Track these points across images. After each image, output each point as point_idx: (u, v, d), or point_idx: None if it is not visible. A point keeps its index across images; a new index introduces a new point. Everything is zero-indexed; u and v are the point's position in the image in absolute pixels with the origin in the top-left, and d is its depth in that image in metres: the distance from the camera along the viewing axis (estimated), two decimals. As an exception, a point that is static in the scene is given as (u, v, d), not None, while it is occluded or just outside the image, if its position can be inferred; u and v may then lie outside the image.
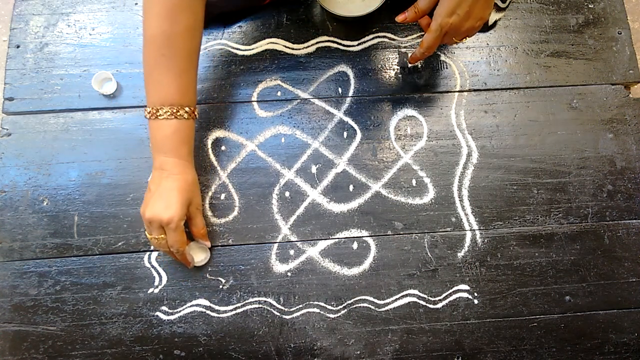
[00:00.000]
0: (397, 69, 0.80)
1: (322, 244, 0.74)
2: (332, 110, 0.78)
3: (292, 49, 0.81)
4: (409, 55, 0.80)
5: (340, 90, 0.79)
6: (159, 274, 0.72)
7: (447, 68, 0.80)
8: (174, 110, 0.64)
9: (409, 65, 0.80)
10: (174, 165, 0.66)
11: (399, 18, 0.67)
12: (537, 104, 0.80)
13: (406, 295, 0.73)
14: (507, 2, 0.80)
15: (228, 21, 0.81)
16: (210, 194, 0.75)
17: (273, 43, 0.81)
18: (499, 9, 0.79)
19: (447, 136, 0.78)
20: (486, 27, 0.82)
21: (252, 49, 0.81)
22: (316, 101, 0.79)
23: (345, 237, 0.74)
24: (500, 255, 0.74)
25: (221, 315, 0.72)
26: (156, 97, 0.64)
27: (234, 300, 0.72)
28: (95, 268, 0.72)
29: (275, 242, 0.74)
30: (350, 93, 0.79)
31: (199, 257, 0.72)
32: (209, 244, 0.72)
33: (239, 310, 0.72)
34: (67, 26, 0.81)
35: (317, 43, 0.81)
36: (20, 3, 0.82)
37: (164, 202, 0.64)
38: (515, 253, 0.74)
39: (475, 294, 0.73)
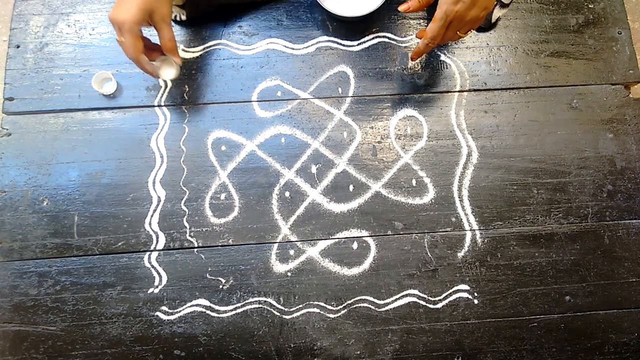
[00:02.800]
0: (397, 69, 0.80)
1: (322, 244, 0.74)
2: (332, 110, 0.78)
3: (292, 49, 0.81)
4: (412, 50, 0.80)
5: (340, 90, 0.79)
6: (159, 274, 0.72)
7: (447, 68, 0.80)
8: None
9: (412, 61, 0.79)
10: None
11: (402, 7, 0.66)
12: (537, 104, 0.80)
13: (406, 295, 0.73)
14: (509, -1, 0.80)
15: (228, 21, 0.81)
16: (210, 194, 0.75)
17: (273, 43, 0.81)
18: (502, 5, 0.79)
19: (447, 136, 0.78)
20: (487, 26, 0.82)
21: (252, 49, 0.81)
22: (316, 101, 0.79)
23: (345, 237, 0.74)
24: (500, 255, 0.74)
25: (221, 315, 0.72)
26: None
27: (234, 300, 0.72)
28: (95, 268, 0.72)
29: (275, 242, 0.74)
30: (350, 93, 0.79)
31: (166, 71, 0.73)
32: (178, 60, 0.73)
33: (239, 310, 0.72)
34: (67, 26, 0.81)
35: (317, 43, 0.81)
36: (20, 3, 0.82)
37: (125, 6, 0.66)
38: (515, 253, 0.74)
39: (475, 294, 0.73)
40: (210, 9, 0.80)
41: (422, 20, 0.82)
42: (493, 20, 0.80)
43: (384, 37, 0.82)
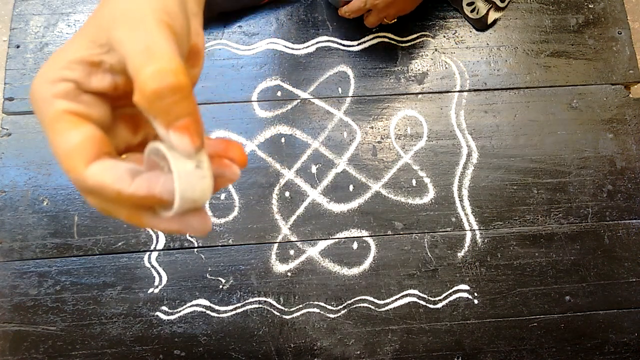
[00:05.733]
0: (397, 69, 0.80)
1: (322, 244, 0.74)
2: (332, 110, 0.78)
3: (292, 49, 0.81)
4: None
5: (340, 90, 0.79)
6: (159, 274, 0.72)
7: (447, 68, 0.80)
8: None
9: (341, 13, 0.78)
10: None
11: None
12: (537, 104, 0.80)
13: (406, 295, 0.73)
14: (506, 1, 0.80)
15: (228, 21, 0.81)
16: (210, 194, 0.75)
17: (273, 43, 0.81)
18: (497, 8, 0.79)
19: (447, 136, 0.78)
20: (483, 28, 0.82)
21: (252, 49, 0.81)
22: (316, 101, 0.79)
23: (345, 237, 0.74)
24: (500, 255, 0.74)
25: (221, 315, 0.72)
26: None
27: (234, 300, 0.72)
28: (95, 268, 0.72)
29: (275, 242, 0.74)
30: (350, 93, 0.79)
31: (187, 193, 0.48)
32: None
33: (239, 310, 0.72)
34: (67, 26, 0.81)
35: (317, 43, 0.81)
36: (20, 3, 0.82)
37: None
38: (515, 253, 0.74)
39: (475, 294, 0.73)
40: (210, 15, 0.80)
41: (423, 21, 0.82)
42: (489, 22, 0.80)
43: (384, 37, 0.82)
